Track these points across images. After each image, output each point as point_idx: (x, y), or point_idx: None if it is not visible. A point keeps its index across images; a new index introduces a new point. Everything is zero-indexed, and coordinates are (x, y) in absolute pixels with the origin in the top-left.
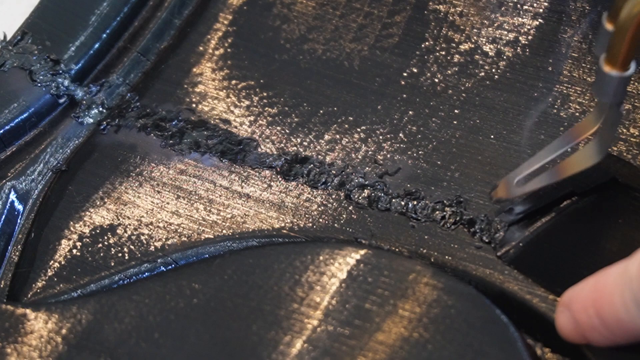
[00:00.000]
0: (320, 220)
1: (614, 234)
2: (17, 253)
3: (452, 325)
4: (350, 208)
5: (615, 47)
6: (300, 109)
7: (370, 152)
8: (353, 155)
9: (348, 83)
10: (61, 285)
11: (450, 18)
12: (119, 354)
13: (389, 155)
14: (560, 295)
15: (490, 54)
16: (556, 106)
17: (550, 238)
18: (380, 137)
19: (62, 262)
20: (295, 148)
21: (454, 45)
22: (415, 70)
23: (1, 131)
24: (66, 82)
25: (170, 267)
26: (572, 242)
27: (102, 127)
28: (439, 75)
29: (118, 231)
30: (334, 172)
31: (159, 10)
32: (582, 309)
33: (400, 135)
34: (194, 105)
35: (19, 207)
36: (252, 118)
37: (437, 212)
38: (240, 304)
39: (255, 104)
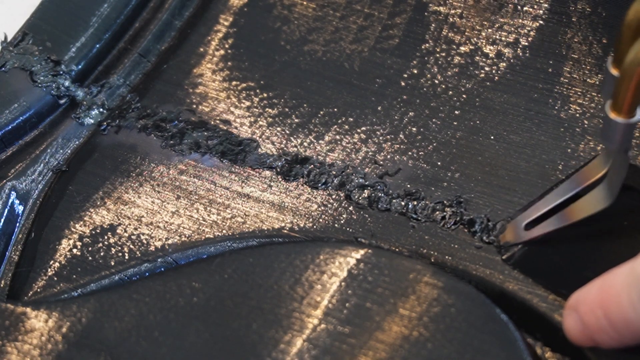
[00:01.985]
0: (321, 220)
1: (618, 236)
2: (17, 253)
3: (452, 324)
4: (351, 208)
5: (620, 94)
6: (301, 110)
7: (370, 153)
8: (353, 155)
9: (348, 84)
10: (61, 284)
11: (451, 19)
12: (119, 353)
13: (389, 156)
14: (566, 297)
15: (490, 55)
16: (556, 107)
17: (555, 240)
18: (381, 138)
19: (62, 262)
20: (295, 149)
21: (454, 46)
22: (415, 72)
23: (2, 131)
24: (67, 83)
25: (170, 267)
26: (578, 244)
27: (102, 128)
28: (439, 77)
29: (118, 231)
30: (334, 172)
31: (160, 12)
32: (589, 310)
33: (401, 136)
34: (194, 106)
35: (19, 207)
36: (252, 119)
37: (437, 213)
38: (240, 302)
39: (255, 104)
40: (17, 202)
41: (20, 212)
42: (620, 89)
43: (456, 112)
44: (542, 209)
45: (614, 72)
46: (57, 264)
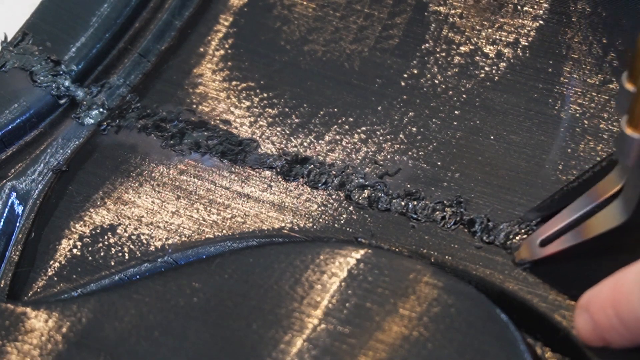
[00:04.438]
0: (321, 220)
1: (619, 235)
2: (17, 253)
3: (452, 324)
4: (351, 208)
5: (636, 110)
6: (301, 110)
7: (370, 153)
8: (353, 155)
9: (348, 84)
10: (61, 284)
11: (451, 19)
12: (119, 353)
13: (389, 156)
14: (566, 298)
15: (490, 55)
16: (556, 107)
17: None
18: (381, 138)
19: (62, 262)
20: (295, 149)
21: (454, 46)
22: (415, 72)
23: (2, 131)
24: (67, 83)
25: (170, 267)
26: (590, 247)
27: (102, 128)
28: (439, 77)
29: (118, 231)
30: (334, 172)
31: (160, 12)
32: (600, 309)
33: (401, 136)
34: (194, 106)
35: (19, 207)
36: (252, 119)
37: (437, 213)
38: (240, 303)
39: (255, 104)
40: (17, 202)
41: (20, 212)
42: (636, 105)
43: (456, 112)
44: (557, 225)
45: (630, 87)
46: (57, 264)
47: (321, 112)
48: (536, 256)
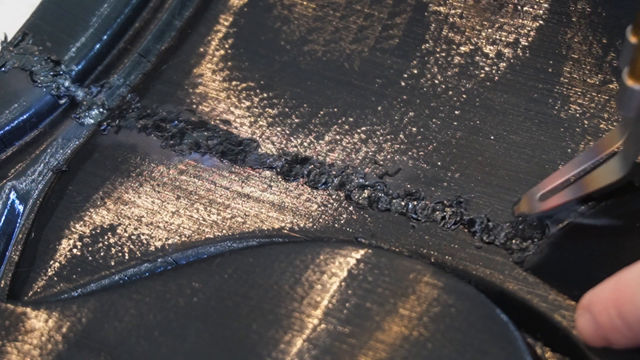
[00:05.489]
0: (321, 220)
1: (631, 238)
2: (17, 253)
3: (452, 324)
4: (351, 208)
5: (638, 61)
6: (301, 110)
7: (370, 153)
8: (353, 155)
9: (348, 84)
10: (61, 284)
11: (451, 19)
12: (119, 353)
13: (389, 156)
14: (567, 297)
15: (490, 55)
16: (556, 107)
17: (567, 243)
18: (381, 138)
19: (62, 262)
20: (295, 149)
21: (454, 46)
22: (415, 72)
23: (2, 131)
24: (67, 83)
25: (170, 267)
26: (578, 244)
27: (102, 128)
28: (439, 77)
29: (118, 231)
30: (334, 172)
31: (160, 12)
32: (602, 310)
33: (401, 136)
34: (194, 106)
35: (19, 207)
36: (252, 119)
37: (437, 213)
38: (240, 302)
39: (255, 104)
40: (17, 202)
41: (20, 212)
42: (638, 56)
43: (456, 112)
44: (558, 179)
45: (633, 40)
46: (57, 264)
47: (321, 112)
48: (535, 210)
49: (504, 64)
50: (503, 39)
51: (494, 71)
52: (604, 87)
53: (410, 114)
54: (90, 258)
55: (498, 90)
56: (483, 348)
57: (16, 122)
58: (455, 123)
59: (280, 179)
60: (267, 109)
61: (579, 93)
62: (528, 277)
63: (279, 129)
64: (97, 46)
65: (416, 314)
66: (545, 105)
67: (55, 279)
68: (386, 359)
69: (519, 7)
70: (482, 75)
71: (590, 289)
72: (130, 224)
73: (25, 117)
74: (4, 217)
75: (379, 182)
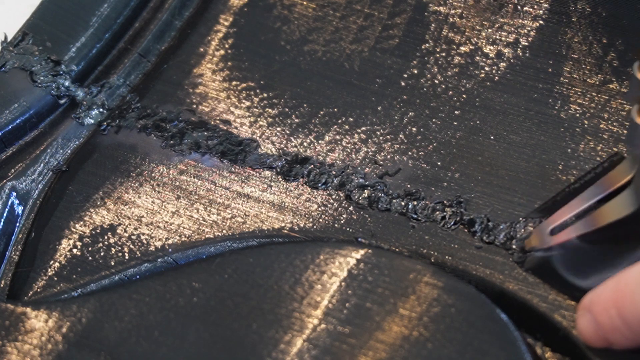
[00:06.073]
0: (321, 220)
1: (619, 235)
2: (17, 253)
3: (452, 324)
4: (351, 208)
5: None
6: (301, 110)
7: (370, 153)
8: (353, 155)
9: (348, 84)
10: (61, 284)
11: (451, 20)
12: (119, 353)
13: (389, 156)
14: (566, 298)
15: (490, 55)
16: (556, 107)
17: (567, 244)
18: (381, 138)
19: (62, 262)
20: (295, 149)
21: (454, 46)
22: (415, 72)
23: (2, 132)
24: (67, 83)
25: (170, 267)
26: (590, 247)
27: (102, 128)
28: (439, 77)
29: (118, 231)
30: (334, 172)
31: (160, 12)
32: (603, 310)
33: (401, 136)
34: (194, 106)
35: (19, 207)
36: (252, 119)
37: (437, 213)
38: (240, 302)
39: (255, 104)
40: (17, 202)
41: (20, 212)
42: None
43: (456, 112)
44: (568, 213)
45: None
46: (57, 264)
47: (321, 112)
48: (546, 244)
49: (504, 64)
50: (503, 39)
51: (494, 71)
52: (604, 87)
53: (410, 114)
54: (90, 258)
55: (498, 90)
56: (483, 348)
57: (16, 122)
58: (455, 123)
59: (280, 179)
60: (267, 109)
61: (579, 93)
62: (528, 277)
63: (279, 129)
64: (97, 46)
65: (416, 314)
66: (545, 105)
67: (55, 279)
68: (386, 359)
69: (519, 7)
70: (482, 75)
71: (591, 289)
72: (130, 224)
73: (25, 117)
74: (4, 217)
75: (379, 182)
